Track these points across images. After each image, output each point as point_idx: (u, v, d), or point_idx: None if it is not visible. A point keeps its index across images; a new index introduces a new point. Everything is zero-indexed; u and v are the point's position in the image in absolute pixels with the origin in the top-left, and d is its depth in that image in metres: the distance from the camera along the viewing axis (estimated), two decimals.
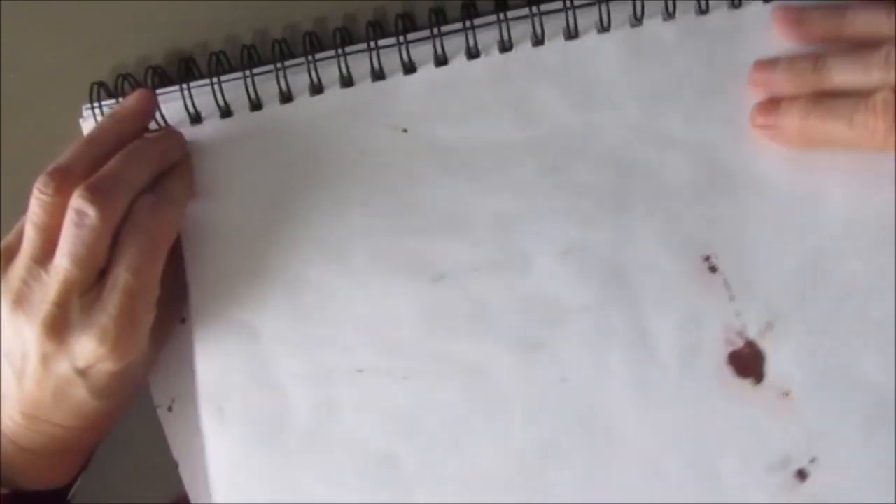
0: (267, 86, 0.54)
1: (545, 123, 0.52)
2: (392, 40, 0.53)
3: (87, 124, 0.55)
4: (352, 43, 0.54)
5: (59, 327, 0.48)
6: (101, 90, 0.56)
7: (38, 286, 0.49)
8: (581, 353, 0.50)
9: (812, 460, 0.48)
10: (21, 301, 0.49)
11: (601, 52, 0.52)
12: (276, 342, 0.52)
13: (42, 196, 0.49)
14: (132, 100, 0.52)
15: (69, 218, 0.48)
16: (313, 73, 0.53)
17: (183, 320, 0.54)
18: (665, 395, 0.49)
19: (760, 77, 0.50)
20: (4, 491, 0.51)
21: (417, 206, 0.52)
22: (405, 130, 0.53)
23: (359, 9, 0.55)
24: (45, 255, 0.49)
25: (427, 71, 0.54)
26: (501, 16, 0.52)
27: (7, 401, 0.51)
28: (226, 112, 0.54)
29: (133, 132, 0.52)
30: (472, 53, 0.53)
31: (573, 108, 0.52)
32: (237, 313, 0.52)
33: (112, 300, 0.48)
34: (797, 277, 0.49)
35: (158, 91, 0.54)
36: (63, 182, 0.49)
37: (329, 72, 0.53)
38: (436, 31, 0.53)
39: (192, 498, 0.54)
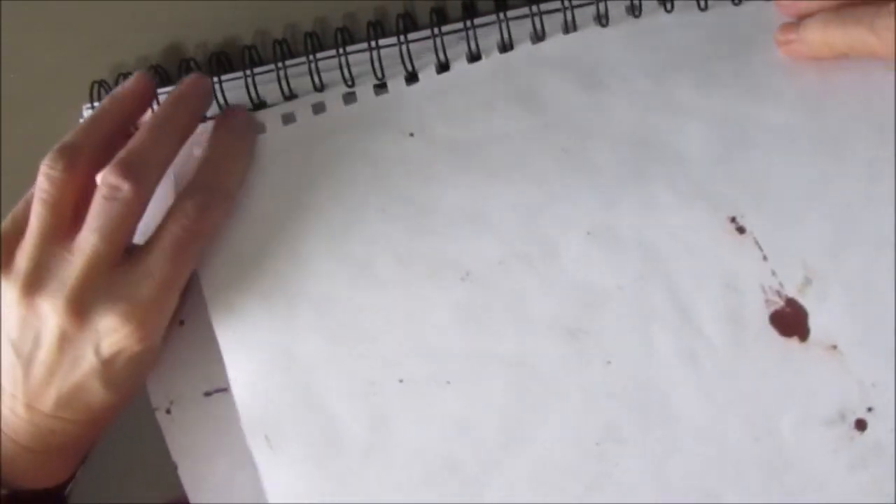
0: (269, 87, 0.54)
1: (551, 109, 0.52)
2: (392, 40, 0.53)
3: None
4: (352, 42, 0.55)
5: (83, 303, 0.48)
6: (101, 89, 0.56)
7: (57, 264, 0.49)
8: (622, 333, 0.49)
9: (869, 409, 0.48)
10: (36, 283, 0.49)
11: (602, 39, 0.52)
12: (312, 363, 0.52)
13: (52, 172, 0.49)
14: (131, 81, 0.52)
15: (100, 193, 0.49)
16: (315, 76, 0.54)
17: (182, 322, 0.54)
18: (714, 365, 0.49)
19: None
20: (4, 492, 0.51)
21: (435, 207, 0.52)
22: (412, 135, 0.53)
23: (359, 8, 0.55)
24: (60, 232, 0.49)
25: (429, 78, 0.54)
26: (501, 15, 0.53)
27: (9, 393, 0.50)
28: None
29: (134, 112, 0.53)
30: (474, 56, 0.53)
31: (578, 89, 0.52)
32: (268, 338, 0.52)
33: (145, 283, 0.49)
34: (828, 229, 0.48)
35: (159, 90, 0.54)
36: (73, 159, 0.49)
37: (328, 75, 0.54)
38: (436, 30, 0.53)
39: (191, 499, 0.54)
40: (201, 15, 0.56)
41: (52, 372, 0.49)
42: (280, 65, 0.54)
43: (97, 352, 0.49)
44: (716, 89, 0.50)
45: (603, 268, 0.50)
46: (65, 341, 0.49)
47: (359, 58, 0.54)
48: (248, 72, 0.54)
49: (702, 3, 0.52)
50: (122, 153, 0.49)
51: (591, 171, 0.51)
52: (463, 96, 0.53)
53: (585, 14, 0.53)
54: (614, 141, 0.51)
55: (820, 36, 0.49)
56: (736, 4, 0.52)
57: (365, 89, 0.54)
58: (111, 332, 0.48)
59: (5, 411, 0.51)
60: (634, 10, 0.52)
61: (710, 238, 0.49)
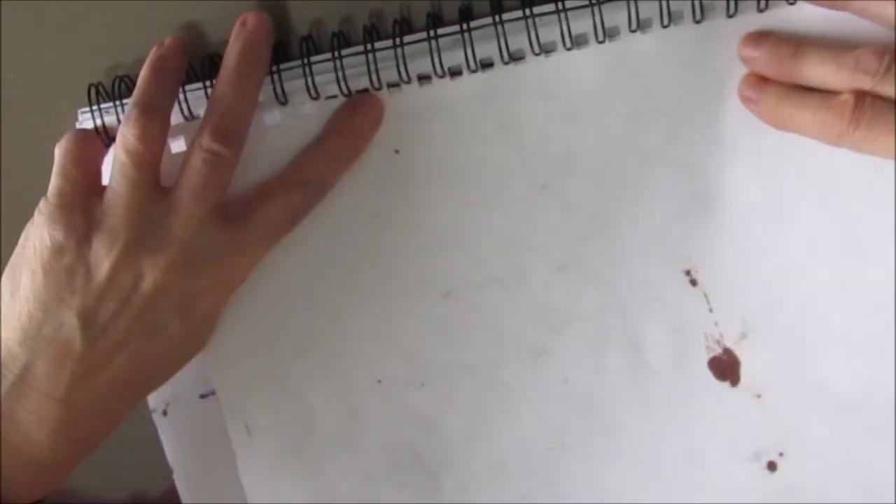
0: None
1: (532, 139, 0.55)
2: (388, 42, 0.54)
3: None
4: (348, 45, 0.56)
5: (187, 264, 0.51)
6: (98, 92, 0.56)
7: (158, 225, 0.51)
8: (580, 356, 0.56)
9: (781, 454, 0.55)
10: (138, 242, 0.51)
11: (578, 66, 0.54)
12: (294, 359, 0.58)
13: (143, 133, 0.51)
14: (170, 41, 0.55)
15: (199, 157, 0.51)
16: (310, 79, 0.54)
17: None
18: (657, 394, 0.56)
19: (748, 54, 0.53)
20: None
21: (419, 228, 0.56)
22: (397, 152, 0.56)
23: (355, 10, 0.56)
24: (156, 192, 0.52)
25: (412, 89, 0.55)
26: (498, 25, 0.54)
27: (58, 369, 0.51)
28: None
29: (184, 69, 0.55)
30: (456, 70, 0.55)
31: (556, 120, 0.55)
32: (253, 333, 0.58)
33: (240, 255, 0.53)
34: (767, 290, 0.54)
35: None
36: (158, 119, 0.52)
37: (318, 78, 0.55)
38: (432, 32, 0.54)
39: (184, 499, 0.60)
40: (202, 15, 0.57)
41: (131, 327, 0.51)
42: (276, 68, 0.55)
43: (184, 314, 0.53)
44: (685, 138, 0.54)
45: (569, 298, 0.56)
46: (159, 297, 0.51)
47: (353, 60, 0.55)
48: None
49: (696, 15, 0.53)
50: (214, 118, 0.52)
51: (565, 208, 0.55)
52: (446, 116, 0.55)
53: (554, 31, 0.54)
54: (589, 181, 0.55)
55: (774, 109, 0.52)
56: (730, 16, 0.53)
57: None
58: (207, 294, 0.53)
59: (33, 403, 0.52)
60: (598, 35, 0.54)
61: (666, 286, 0.55)
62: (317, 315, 0.58)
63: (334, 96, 0.55)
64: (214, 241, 0.52)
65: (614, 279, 0.56)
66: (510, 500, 0.58)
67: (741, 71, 0.54)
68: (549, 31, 0.53)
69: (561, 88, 0.55)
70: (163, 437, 0.60)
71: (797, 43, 0.52)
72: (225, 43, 0.54)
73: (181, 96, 0.55)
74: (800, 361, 0.54)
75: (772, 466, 0.55)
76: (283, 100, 0.55)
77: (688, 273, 0.55)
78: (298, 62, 0.55)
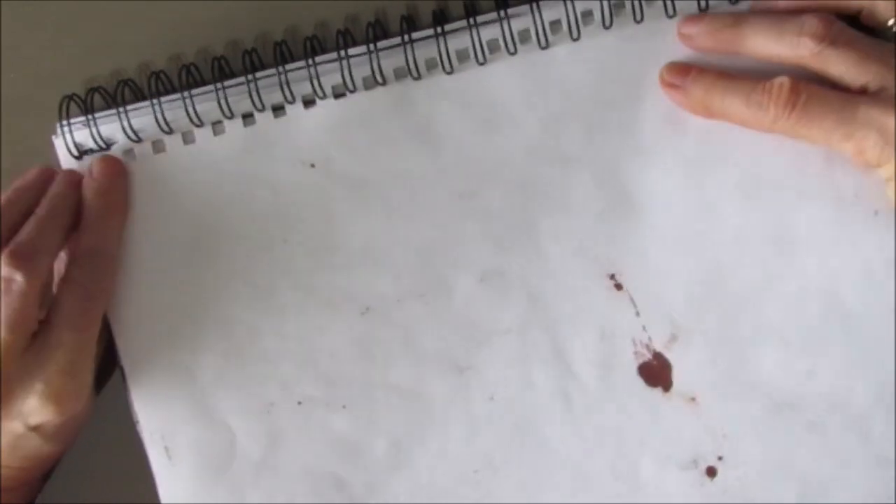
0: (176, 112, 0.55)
1: (448, 150, 0.55)
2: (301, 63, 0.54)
3: (59, 143, 0.56)
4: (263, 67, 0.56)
5: (5, 393, 0.50)
6: (70, 105, 0.56)
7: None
8: (505, 371, 0.54)
9: (720, 458, 0.52)
10: None
11: (497, 74, 0.54)
12: (213, 381, 0.56)
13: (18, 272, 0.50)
14: (32, 175, 0.54)
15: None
16: (223, 102, 0.54)
17: None
18: (586, 406, 0.53)
19: (686, 31, 0.52)
20: None
21: (336, 242, 0.55)
22: (313, 166, 0.55)
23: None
24: None
25: (327, 103, 0.55)
26: (406, 38, 0.54)
27: None
28: (135, 139, 0.55)
29: (38, 197, 0.54)
30: (375, 81, 0.54)
31: (473, 130, 0.54)
32: (170, 356, 0.56)
33: (54, 358, 0.51)
34: (695, 290, 0.53)
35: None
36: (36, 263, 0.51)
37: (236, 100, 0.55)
38: (342, 53, 0.54)
39: None
40: (203, 15, 0.57)
41: None
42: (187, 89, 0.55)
43: (29, 427, 0.52)
44: (602, 141, 0.53)
45: (491, 310, 0.54)
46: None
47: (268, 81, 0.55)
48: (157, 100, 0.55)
49: (606, 20, 0.53)
50: (10, 244, 0.51)
51: (485, 217, 0.54)
52: (363, 128, 0.55)
53: (466, 40, 0.54)
54: (507, 189, 0.54)
55: (701, 96, 0.51)
56: (669, 17, 0.53)
57: (265, 112, 0.55)
58: (35, 413, 0.51)
59: None
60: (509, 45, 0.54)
61: (590, 292, 0.53)
62: (233, 336, 0.56)
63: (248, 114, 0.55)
64: (26, 362, 0.51)
65: (537, 288, 0.54)
66: None
67: (656, 72, 0.53)
68: (462, 40, 0.54)
69: (476, 96, 0.55)
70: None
71: (737, 15, 0.51)
72: (227, 43, 0.56)
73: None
74: (733, 361, 0.52)
75: (711, 472, 0.52)
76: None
77: (612, 277, 0.53)
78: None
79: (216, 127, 0.56)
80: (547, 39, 0.53)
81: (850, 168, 0.51)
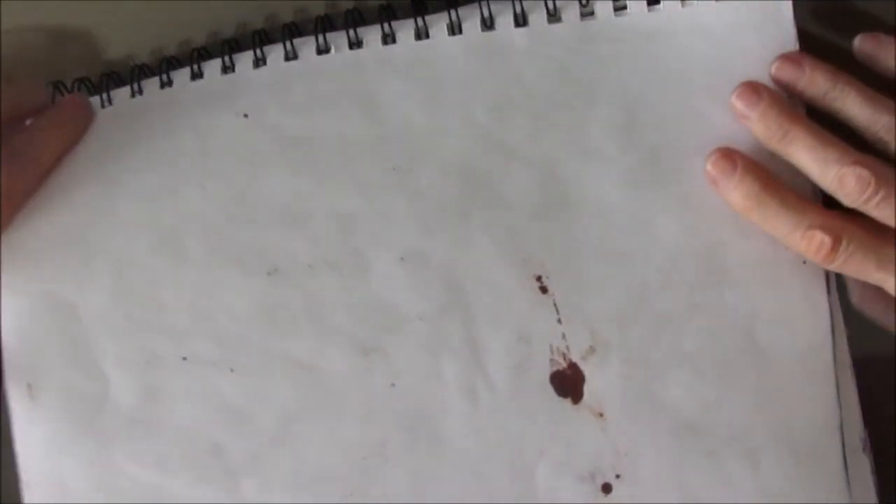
0: None
1: (391, 121, 0.52)
2: None
3: None
4: None
5: None
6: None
7: None
8: (412, 359, 0.51)
9: (617, 476, 0.52)
10: None
11: (451, 54, 0.52)
12: (97, 323, 0.52)
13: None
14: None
15: None
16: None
17: None
18: (492, 406, 0.51)
19: (741, 110, 0.50)
20: None
21: (256, 196, 0.52)
22: (246, 116, 0.52)
23: None
24: None
25: (276, 63, 0.53)
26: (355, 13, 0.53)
27: None
28: None
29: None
30: (322, 49, 0.53)
31: (420, 107, 0.52)
32: (55, 288, 0.52)
33: None
34: (620, 306, 0.51)
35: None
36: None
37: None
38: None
39: None
40: (202, 15, 0.56)
41: None
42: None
43: None
44: (549, 137, 0.51)
45: (408, 294, 0.51)
46: None
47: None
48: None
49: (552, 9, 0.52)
50: None
51: (416, 195, 0.52)
52: (306, 86, 0.53)
53: (439, 21, 0.53)
54: (444, 170, 0.52)
55: (742, 201, 0.49)
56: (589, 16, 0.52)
57: (213, 68, 0.53)
58: None
59: None
60: (486, 23, 0.52)
61: (514, 291, 0.51)
62: (127, 278, 0.52)
63: None
64: None
65: (459, 278, 0.52)
66: None
67: (615, 77, 0.52)
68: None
69: (429, 71, 0.52)
70: None
71: (790, 118, 0.48)
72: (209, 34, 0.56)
73: None
74: (646, 381, 0.51)
75: (606, 489, 0.52)
76: None
77: (539, 279, 0.51)
78: None
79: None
80: (493, 20, 0.52)
81: None
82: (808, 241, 0.48)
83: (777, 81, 0.50)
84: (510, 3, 0.52)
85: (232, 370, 0.51)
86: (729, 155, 0.49)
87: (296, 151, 0.52)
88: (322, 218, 0.52)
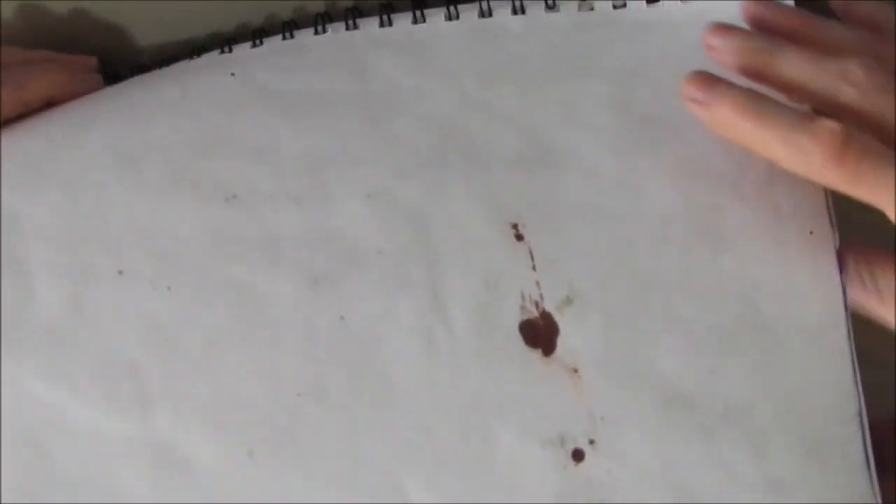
0: None
1: (375, 82, 0.50)
2: None
3: None
4: None
5: None
6: None
7: None
8: (366, 294, 0.45)
9: (591, 441, 0.43)
10: None
11: (447, 34, 0.51)
12: (37, 233, 0.47)
13: None
14: None
15: None
16: None
17: None
18: (450, 352, 0.45)
19: (712, 41, 0.45)
20: None
21: (226, 132, 0.49)
22: (233, 74, 0.51)
23: None
24: None
25: (273, 42, 0.53)
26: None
27: None
28: None
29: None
30: (319, 33, 0.53)
31: (407, 71, 0.50)
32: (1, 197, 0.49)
33: None
34: (605, 262, 0.46)
35: None
36: None
37: None
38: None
39: None
40: (201, 15, 0.56)
41: None
42: None
43: None
44: (537, 106, 0.49)
45: (370, 230, 0.47)
46: None
47: None
48: None
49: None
50: None
51: (393, 143, 0.48)
52: (296, 57, 0.52)
53: (437, 12, 0.52)
54: (425, 124, 0.49)
55: (726, 118, 0.43)
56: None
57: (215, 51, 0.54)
58: None
59: None
60: (484, 15, 0.52)
61: (486, 236, 0.46)
62: (74, 191, 0.48)
63: None
64: None
65: (428, 220, 0.47)
66: (234, 450, 0.44)
67: (611, 54, 0.50)
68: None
69: (422, 46, 0.51)
70: None
71: (775, 38, 0.45)
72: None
73: None
74: (630, 342, 0.45)
75: (577, 455, 0.43)
76: None
77: (514, 227, 0.46)
78: None
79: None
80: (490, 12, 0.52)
81: (793, 185, 0.47)
82: (815, 133, 0.41)
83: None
84: (510, 3, 0.52)
85: (169, 288, 0.46)
86: (708, 73, 0.45)
87: (275, 101, 0.50)
88: (290, 153, 0.48)
